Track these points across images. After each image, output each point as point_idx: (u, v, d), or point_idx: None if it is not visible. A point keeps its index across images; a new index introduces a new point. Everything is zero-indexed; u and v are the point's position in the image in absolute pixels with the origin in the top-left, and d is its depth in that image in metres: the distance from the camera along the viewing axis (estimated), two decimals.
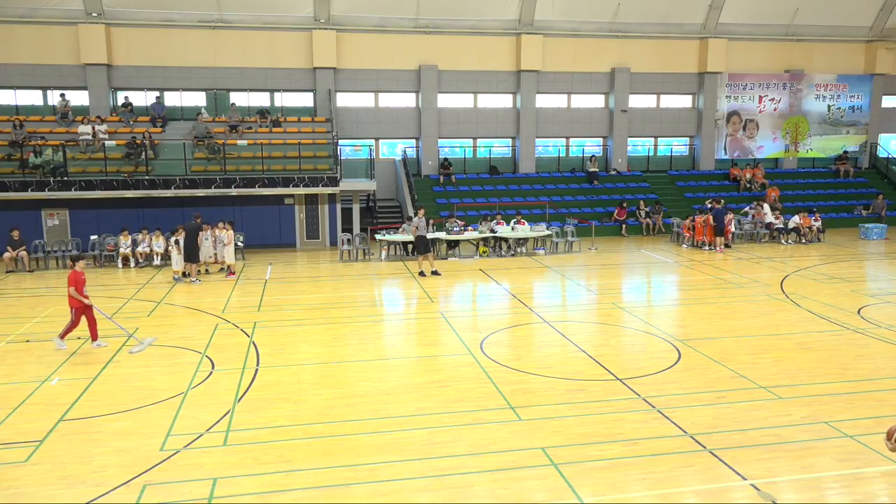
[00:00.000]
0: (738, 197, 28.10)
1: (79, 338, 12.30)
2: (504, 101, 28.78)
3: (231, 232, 19.00)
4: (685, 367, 10.57)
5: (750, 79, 30.03)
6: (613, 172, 29.45)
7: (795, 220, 23.57)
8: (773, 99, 30.39)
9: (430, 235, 21.29)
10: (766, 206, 24.86)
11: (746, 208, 25.45)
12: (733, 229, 23.19)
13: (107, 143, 22.24)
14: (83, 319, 11.74)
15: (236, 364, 10.88)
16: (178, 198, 21.64)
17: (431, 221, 22.15)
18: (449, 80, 27.72)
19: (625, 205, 26.31)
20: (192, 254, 17.68)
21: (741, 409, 8.83)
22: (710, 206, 22.51)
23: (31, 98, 25.29)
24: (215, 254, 19.01)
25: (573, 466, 7.30)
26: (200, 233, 18.15)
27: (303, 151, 23.36)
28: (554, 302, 15.85)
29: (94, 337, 11.85)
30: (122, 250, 19.89)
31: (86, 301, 11.60)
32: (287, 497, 6.78)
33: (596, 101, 29.57)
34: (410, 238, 21.22)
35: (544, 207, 25.96)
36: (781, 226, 23.75)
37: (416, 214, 18.87)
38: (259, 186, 21.97)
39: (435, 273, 18.23)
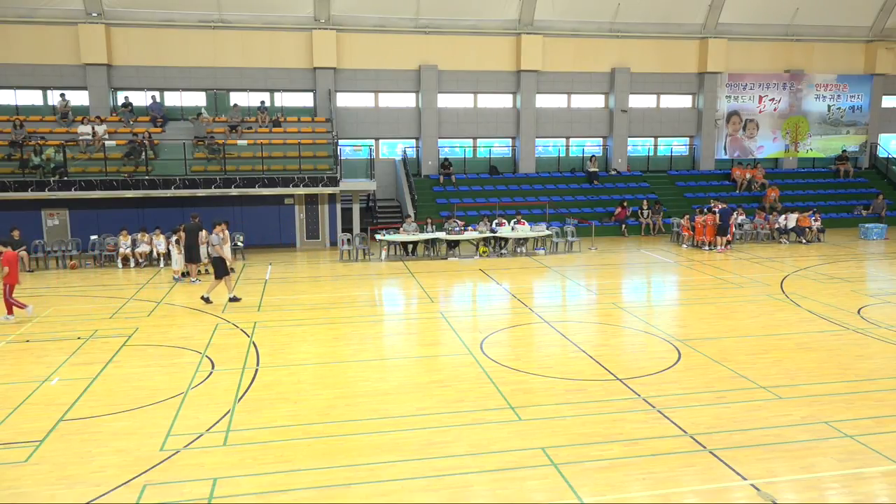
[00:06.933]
0: (737, 197, 28.11)
1: (79, 338, 12.32)
2: (504, 101, 28.77)
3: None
4: (685, 367, 10.57)
5: (750, 79, 30.02)
6: (613, 172, 29.45)
7: (792, 220, 23.65)
8: (773, 99, 30.38)
9: (429, 235, 21.35)
10: (743, 209, 25.42)
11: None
12: (735, 230, 23.21)
13: (107, 143, 22.24)
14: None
15: (236, 364, 10.88)
16: (178, 198, 21.62)
17: (431, 221, 22.06)
18: (449, 80, 27.71)
19: (626, 204, 26.32)
20: (192, 253, 17.69)
21: (741, 409, 8.83)
22: (711, 206, 22.50)
23: (31, 98, 25.28)
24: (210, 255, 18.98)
25: (573, 466, 7.30)
26: (201, 233, 18.11)
27: (303, 151, 23.34)
28: (554, 302, 15.84)
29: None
30: (121, 250, 19.89)
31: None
32: (287, 497, 6.78)
33: (596, 101, 29.57)
34: (410, 238, 21.26)
35: (544, 207, 25.95)
36: (781, 225, 23.80)
37: (213, 230, 15.43)
38: (259, 186, 21.96)
39: (207, 300, 15.02)
